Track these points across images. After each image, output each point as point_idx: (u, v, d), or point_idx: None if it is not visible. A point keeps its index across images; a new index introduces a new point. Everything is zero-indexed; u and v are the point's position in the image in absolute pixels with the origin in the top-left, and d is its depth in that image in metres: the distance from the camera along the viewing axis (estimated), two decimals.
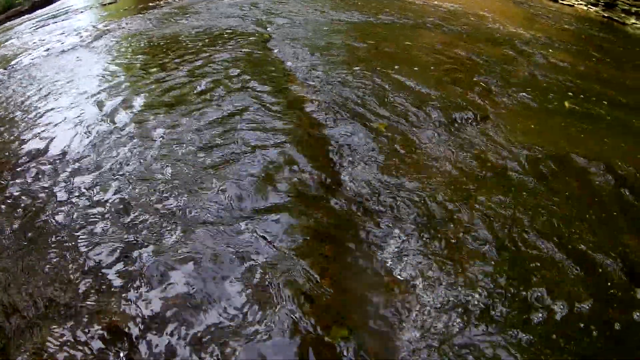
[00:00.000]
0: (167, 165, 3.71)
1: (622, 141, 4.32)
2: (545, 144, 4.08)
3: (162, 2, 8.79)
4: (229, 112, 4.39)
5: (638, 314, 2.64)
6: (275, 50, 5.83)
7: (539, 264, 2.89)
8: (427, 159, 3.78)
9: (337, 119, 4.23)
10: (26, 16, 11.16)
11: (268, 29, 6.66)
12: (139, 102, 4.82)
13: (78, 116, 4.64)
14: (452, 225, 3.14)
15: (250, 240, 3.01)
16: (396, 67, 5.34)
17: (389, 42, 6.30)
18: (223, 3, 8.16)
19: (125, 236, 3.12)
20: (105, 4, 10.10)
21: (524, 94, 5.13)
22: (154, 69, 5.61)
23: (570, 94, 5.25)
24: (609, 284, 2.81)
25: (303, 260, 2.88)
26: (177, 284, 2.77)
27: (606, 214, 3.35)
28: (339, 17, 7.27)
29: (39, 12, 11.15)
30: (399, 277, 2.80)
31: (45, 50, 7.27)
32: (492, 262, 2.89)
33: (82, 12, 9.88)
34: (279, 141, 3.90)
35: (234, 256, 2.91)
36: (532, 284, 2.76)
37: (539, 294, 2.70)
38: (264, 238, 3.02)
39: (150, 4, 8.86)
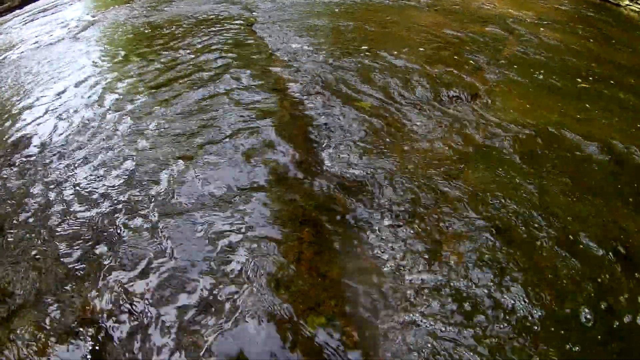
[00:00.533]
0: (145, 150, 3.51)
1: (619, 119, 4.10)
2: (537, 121, 3.86)
3: None
4: (209, 95, 4.16)
5: (633, 302, 2.41)
6: (260, 33, 5.59)
7: (527, 248, 2.68)
8: (412, 137, 3.55)
9: (320, 100, 4.00)
10: (17, 11, 10.94)
11: (254, 12, 6.42)
12: (121, 89, 4.61)
13: (61, 106, 4.44)
14: (437, 207, 2.91)
15: (225, 225, 2.81)
16: (383, 46, 5.11)
17: (377, 22, 6.05)
18: None
19: (101, 222, 2.93)
20: None
21: (514, 72, 4.91)
22: (137, 57, 5.39)
23: (561, 72, 5.00)
24: (604, 270, 2.59)
25: (279, 244, 2.67)
26: (149, 271, 2.57)
27: (601, 194, 3.12)
28: None
29: (28, 7, 10.90)
30: (380, 261, 2.59)
31: (33, 44, 7.06)
32: (480, 246, 2.67)
33: (70, 4, 9.64)
34: (259, 123, 3.68)
35: (207, 241, 2.71)
36: (519, 269, 2.54)
37: (527, 280, 2.49)
38: (239, 222, 2.81)
39: None
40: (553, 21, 7.30)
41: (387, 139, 3.50)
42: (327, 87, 4.19)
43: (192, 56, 5.04)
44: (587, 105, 4.29)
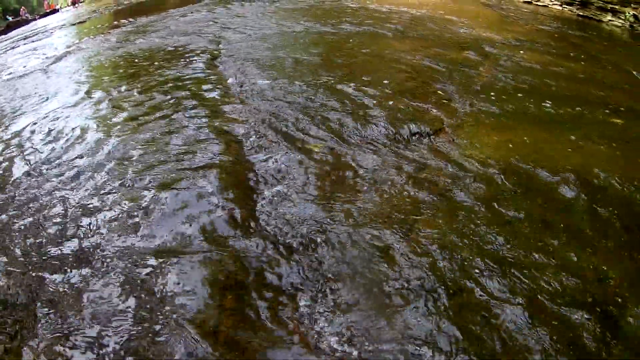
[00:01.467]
0: (69, 207, 3.18)
1: (600, 145, 3.76)
2: (508, 157, 3.51)
3: (126, 21, 8.29)
4: (152, 139, 3.83)
5: None
6: (221, 68, 5.27)
7: (486, 313, 2.29)
8: (363, 184, 3.20)
9: (267, 143, 3.66)
10: (2, 37, 10.92)
11: (220, 45, 6.10)
12: (71, 132, 4.27)
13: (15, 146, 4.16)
14: (385, 267, 2.54)
15: (140, 293, 2.45)
16: (345, 79, 4.78)
17: (344, 52, 5.73)
18: (183, 20, 7.62)
19: (16, 283, 2.59)
20: (74, 24, 9.69)
21: (487, 100, 4.58)
22: (98, 93, 5.12)
23: (540, 97, 4.64)
24: (581, 339, 2.18)
25: (197, 314, 2.30)
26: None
27: (578, 238, 2.75)
28: (297, 29, 6.72)
29: (14, 32, 10.85)
30: (310, 333, 2.22)
31: (7, 74, 7.01)
32: (428, 313, 2.29)
33: (51, 32, 9.53)
34: (198, 173, 3.33)
35: (116, 310, 2.35)
36: (473, 342, 2.16)
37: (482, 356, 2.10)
38: (154, 289, 2.45)
39: (115, 23, 8.41)
40: (533, 42, 7.01)
41: (334, 187, 3.16)
42: (277, 129, 3.85)
43: (149, 95, 4.73)
44: (567, 134, 3.95)
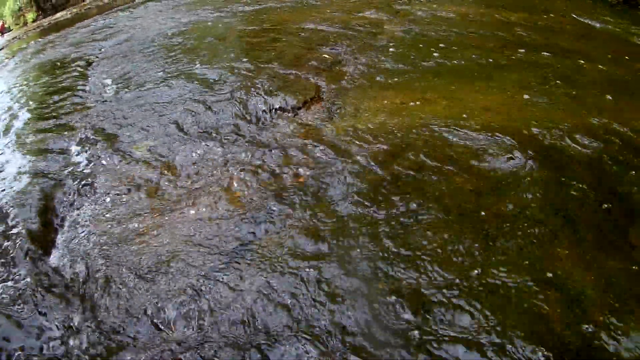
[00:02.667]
0: None
1: (541, 93, 2.96)
2: (409, 122, 2.69)
3: (33, 43, 7.66)
4: None
5: None
6: (90, 73, 4.60)
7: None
8: (191, 189, 2.47)
9: (91, 151, 2.96)
10: None
11: (101, 50, 5.35)
12: None
13: None
14: (205, 306, 1.80)
15: None
16: (214, 61, 4.09)
17: (225, 34, 5.02)
18: (84, 30, 6.96)
19: None
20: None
21: (388, 57, 3.84)
22: None
23: (463, 49, 3.87)
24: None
25: None
26: None
27: (521, 232, 1.87)
28: (189, 19, 5.95)
29: None
30: None
31: None
32: None
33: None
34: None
35: None
36: None
37: None
38: None
39: (24, 46, 7.80)
40: None
41: (154, 200, 2.43)
42: (109, 132, 3.18)
43: (9, 112, 4.02)
44: (498, 84, 3.18)
